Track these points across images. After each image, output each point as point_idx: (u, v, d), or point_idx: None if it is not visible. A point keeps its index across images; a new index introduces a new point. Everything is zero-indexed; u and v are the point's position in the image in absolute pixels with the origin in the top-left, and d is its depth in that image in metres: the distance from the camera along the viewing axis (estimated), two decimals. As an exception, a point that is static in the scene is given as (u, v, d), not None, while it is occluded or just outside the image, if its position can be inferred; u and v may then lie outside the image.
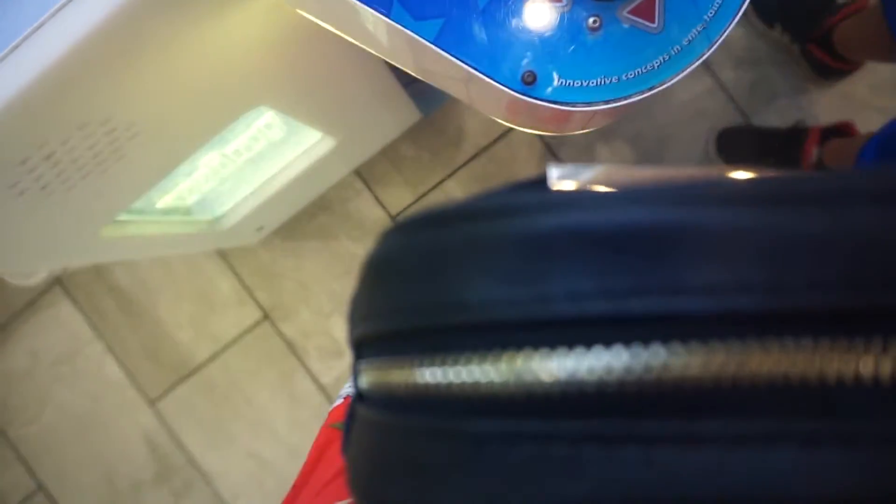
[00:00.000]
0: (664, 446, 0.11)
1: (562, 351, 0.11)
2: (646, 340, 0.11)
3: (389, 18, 0.35)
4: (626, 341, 0.11)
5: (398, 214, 1.01)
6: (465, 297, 0.12)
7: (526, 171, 1.00)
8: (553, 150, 0.99)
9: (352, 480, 0.16)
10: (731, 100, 0.98)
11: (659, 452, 0.11)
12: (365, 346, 0.16)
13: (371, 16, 0.36)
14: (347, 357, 1.02)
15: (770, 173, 0.13)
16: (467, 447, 0.12)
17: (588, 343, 0.11)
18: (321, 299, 1.02)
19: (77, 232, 0.61)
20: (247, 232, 0.95)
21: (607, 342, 0.11)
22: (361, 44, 0.44)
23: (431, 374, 0.13)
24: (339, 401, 0.40)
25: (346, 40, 0.45)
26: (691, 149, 0.98)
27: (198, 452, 1.02)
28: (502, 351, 0.12)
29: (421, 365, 0.13)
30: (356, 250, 1.02)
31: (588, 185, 0.15)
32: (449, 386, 0.12)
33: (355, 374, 0.17)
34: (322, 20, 0.43)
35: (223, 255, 1.02)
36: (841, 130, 0.92)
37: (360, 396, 0.17)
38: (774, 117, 0.97)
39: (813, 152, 0.90)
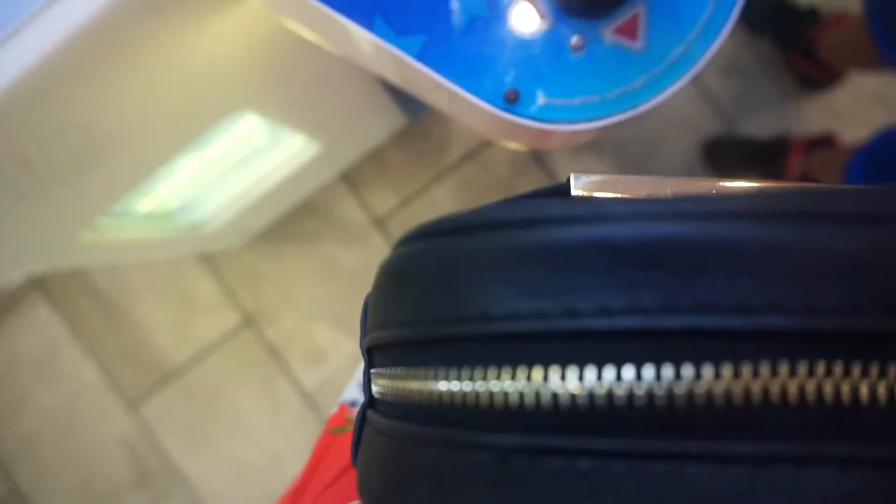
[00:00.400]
0: (694, 463, 0.11)
1: (591, 366, 0.11)
2: (676, 358, 0.11)
3: (372, 33, 0.35)
4: (657, 359, 0.11)
5: (382, 218, 1.01)
6: (489, 309, 0.12)
7: (512, 176, 1.00)
8: (539, 157, 0.99)
9: (364, 489, 0.15)
10: (718, 109, 0.99)
11: (689, 469, 0.11)
12: (380, 354, 0.16)
13: (354, 30, 0.35)
14: (331, 363, 1.01)
15: (799, 186, 0.13)
16: (491, 461, 0.12)
17: (618, 359, 0.11)
18: (305, 304, 1.01)
19: (54, 236, 0.60)
20: (230, 235, 0.94)
21: (637, 359, 0.11)
22: (346, 56, 0.44)
23: (453, 385, 0.12)
24: (336, 408, 0.39)
25: (330, 49, 0.44)
26: (678, 157, 0.99)
27: (177, 457, 1.01)
28: (529, 364, 0.12)
29: (442, 375, 0.13)
30: (340, 254, 1.01)
31: (609, 194, 0.15)
32: (472, 398, 0.12)
33: (367, 380, 0.17)
34: (306, 30, 0.43)
35: (206, 257, 1.01)
36: (824, 142, 0.93)
37: (371, 403, 0.16)
38: (760, 127, 0.98)
39: (797, 164, 0.91)
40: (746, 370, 0.11)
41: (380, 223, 1.01)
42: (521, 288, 0.12)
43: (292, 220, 1.01)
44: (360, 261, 1.01)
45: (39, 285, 1.00)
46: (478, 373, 0.12)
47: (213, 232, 0.85)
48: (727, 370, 0.11)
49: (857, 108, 0.97)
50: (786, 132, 0.98)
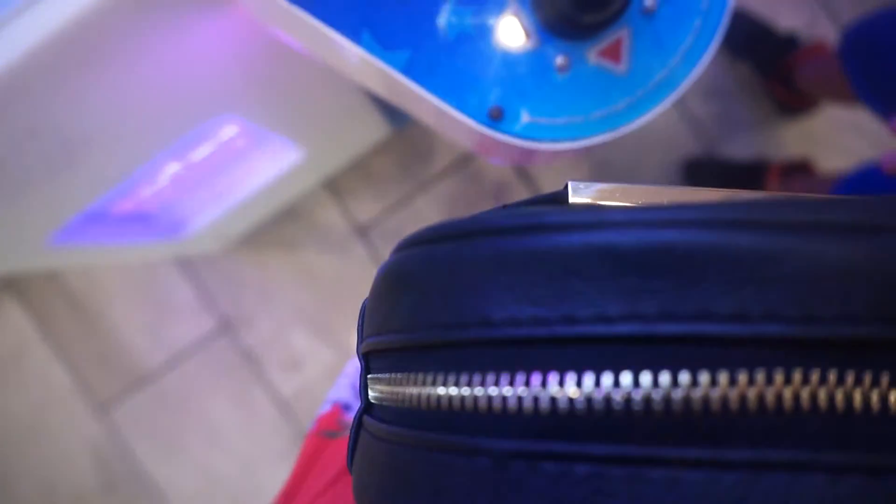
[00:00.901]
0: (691, 469, 0.11)
1: (589, 372, 0.11)
2: (674, 365, 0.11)
3: (359, 46, 0.35)
4: (654, 365, 0.11)
5: (365, 227, 1.00)
6: (488, 314, 0.12)
7: (496, 189, 1.00)
8: (523, 171, 0.99)
9: (360, 495, 0.15)
10: (698, 130, 1.00)
11: (685, 475, 0.11)
12: (377, 359, 0.16)
13: (342, 42, 0.35)
14: (307, 370, 1.00)
15: (796, 196, 0.13)
16: (489, 465, 0.12)
17: (616, 365, 0.11)
18: (283, 310, 1.00)
19: (25, 238, 0.58)
20: (210, 240, 0.93)
21: (635, 365, 0.11)
22: (332, 65, 0.43)
23: (452, 390, 0.13)
24: (328, 407, 0.38)
25: (316, 59, 0.44)
26: (658, 177, 1.00)
27: (147, 464, 0.99)
28: (527, 370, 0.12)
29: (441, 380, 0.13)
30: (321, 262, 1.01)
31: (606, 202, 0.15)
32: (470, 402, 0.12)
33: (364, 386, 0.17)
34: (292, 38, 0.42)
35: (184, 261, 1.00)
36: (800, 168, 0.94)
37: (367, 408, 0.16)
38: (740, 149, 1.00)
39: (773, 189, 0.93)
40: (742, 377, 0.11)
41: (362, 231, 1.00)
42: (520, 294, 0.12)
43: (274, 226, 1.00)
44: (341, 269, 1.00)
45: (11, 285, 0.98)
46: (476, 378, 0.12)
47: (192, 236, 0.84)
48: (723, 377, 0.11)
49: (833, 134, 1.00)
50: (764, 155, 0.99)
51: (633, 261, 0.11)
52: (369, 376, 0.16)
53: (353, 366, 0.44)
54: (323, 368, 0.99)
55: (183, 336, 0.99)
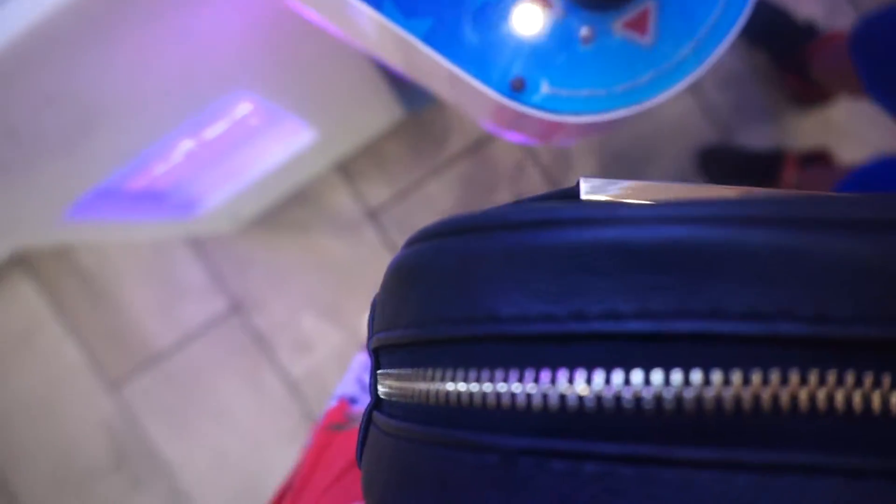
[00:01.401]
0: (703, 470, 0.10)
1: (599, 370, 0.11)
2: (686, 363, 0.11)
3: (380, 13, 0.34)
4: (666, 363, 0.11)
5: (376, 210, 1.00)
6: (498, 310, 0.12)
7: (509, 175, 0.99)
8: (537, 160, 0.99)
9: (369, 490, 0.15)
10: (714, 119, 0.99)
11: (697, 476, 0.10)
12: (387, 355, 0.16)
13: (361, 9, 0.35)
14: (318, 352, 1.00)
15: (812, 193, 0.13)
16: (498, 462, 0.12)
17: (626, 363, 0.11)
18: (294, 292, 1.00)
19: (38, 211, 0.58)
20: (222, 220, 0.93)
21: (647, 363, 0.11)
22: (350, 36, 0.43)
23: (461, 386, 0.12)
24: (335, 402, 0.39)
25: (333, 30, 0.43)
26: (674, 166, 0.99)
27: (158, 442, 1.00)
28: (537, 366, 0.12)
29: (450, 376, 0.13)
30: (332, 245, 1.00)
31: (619, 199, 0.15)
32: (479, 399, 0.12)
33: (374, 382, 0.17)
34: (310, 7, 0.42)
35: (196, 241, 1.00)
36: (818, 157, 0.93)
37: (377, 404, 0.16)
38: (757, 138, 0.99)
39: (791, 178, 0.91)
40: (756, 377, 0.10)
41: (373, 215, 1.00)
42: (531, 289, 0.12)
43: (285, 208, 0.99)
44: (352, 252, 1.00)
45: (23, 262, 0.98)
46: (485, 374, 0.12)
47: (204, 215, 0.83)
48: (737, 376, 0.11)
49: (852, 125, 0.98)
50: (781, 145, 0.98)
51: (645, 257, 0.11)
52: (379, 372, 0.16)
53: (359, 361, 0.44)
54: (332, 351, 0.99)
55: (194, 316, 0.99)
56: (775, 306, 0.10)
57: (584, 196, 0.15)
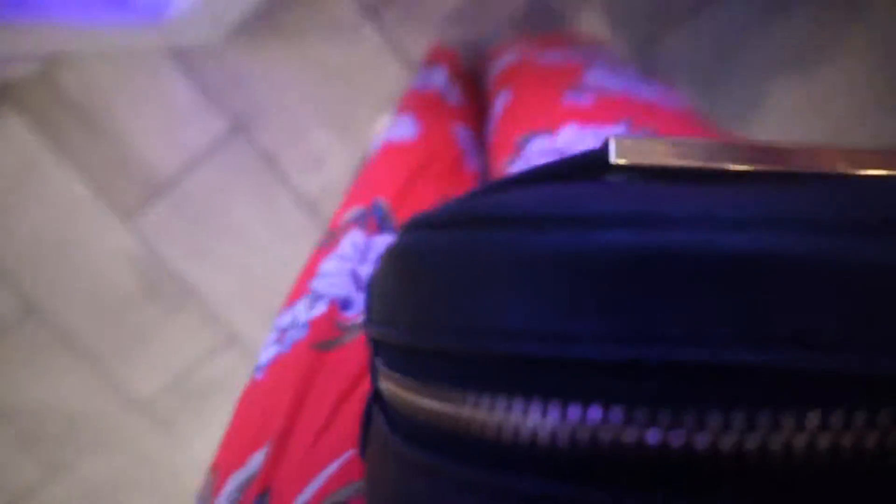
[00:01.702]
0: None
1: (616, 407, 0.10)
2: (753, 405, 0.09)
3: None
4: (726, 404, 0.09)
5: (376, 4, 0.88)
6: (506, 324, 0.11)
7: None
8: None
9: (371, 488, 0.15)
10: None
11: None
12: (386, 350, 0.14)
13: None
14: (329, 167, 0.96)
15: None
16: None
17: (673, 401, 0.09)
18: (295, 106, 0.93)
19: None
20: (201, 25, 0.83)
21: (701, 403, 0.09)
22: None
23: (468, 410, 0.11)
24: (322, 307, 0.31)
25: None
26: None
27: (181, 268, 1.00)
28: (545, 397, 0.10)
29: (455, 398, 0.11)
30: (328, 50, 0.90)
31: (654, 164, 0.13)
32: (482, 426, 0.11)
33: (374, 369, 0.16)
34: None
35: (182, 56, 0.91)
36: None
37: (377, 396, 0.15)
38: None
39: None
40: (816, 425, 0.09)
41: (373, 10, 0.89)
42: (541, 303, 0.10)
43: (272, 12, 0.88)
44: (353, 56, 0.90)
45: (6, 95, 0.92)
46: (484, 399, 0.11)
47: (180, 18, 0.74)
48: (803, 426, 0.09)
49: None
50: None
51: (696, 273, 0.09)
52: (379, 366, 0.15)
53: (351, 242, 0.36)
54: (344, 164, 0.95)
55: (195, 139, 0.94)
56: (833, 332, 0.09)
57: (614, 160, 0.13)
